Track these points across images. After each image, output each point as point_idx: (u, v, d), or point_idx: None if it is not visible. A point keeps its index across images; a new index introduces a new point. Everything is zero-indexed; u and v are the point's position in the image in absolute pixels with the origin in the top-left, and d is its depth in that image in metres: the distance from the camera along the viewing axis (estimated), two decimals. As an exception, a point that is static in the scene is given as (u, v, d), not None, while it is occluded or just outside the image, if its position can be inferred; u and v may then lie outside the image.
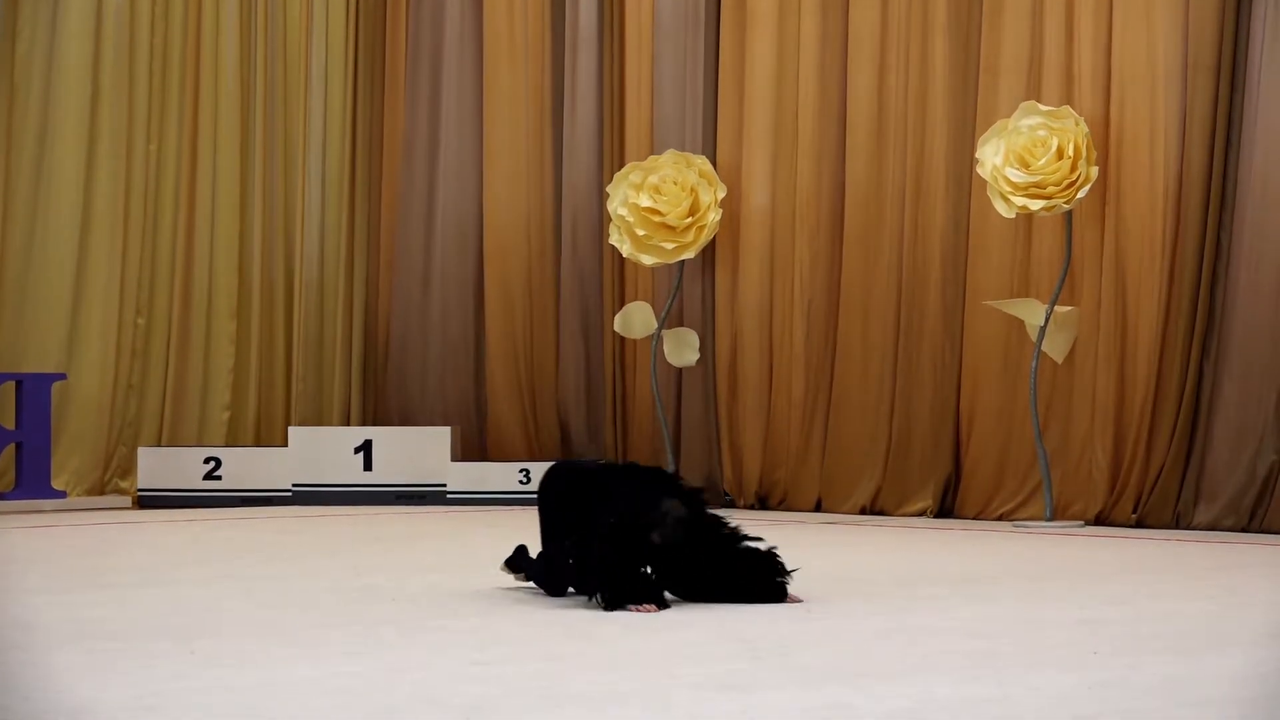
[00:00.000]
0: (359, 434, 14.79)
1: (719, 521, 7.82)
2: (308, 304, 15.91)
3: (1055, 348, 12.31)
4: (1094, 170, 11.94)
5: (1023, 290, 12.61)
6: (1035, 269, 12.61)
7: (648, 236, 13.77)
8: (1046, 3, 12.61)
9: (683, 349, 14.02)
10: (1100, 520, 12.19)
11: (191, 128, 15.35)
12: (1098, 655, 6.29)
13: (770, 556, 7.79)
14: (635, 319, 14.21)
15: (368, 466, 14.55)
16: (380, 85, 16.26)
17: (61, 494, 14.18)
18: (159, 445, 14.94)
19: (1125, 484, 12.12)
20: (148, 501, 14.39)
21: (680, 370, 14.21)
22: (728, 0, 14.15)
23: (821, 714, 5.18)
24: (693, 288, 14.26)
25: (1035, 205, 11.95)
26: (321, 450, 14.64)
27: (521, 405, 15.27)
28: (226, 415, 15.47)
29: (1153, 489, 11.98)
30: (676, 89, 14.41)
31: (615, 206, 13.88)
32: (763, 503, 13.89)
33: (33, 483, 13.92)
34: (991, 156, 12.16)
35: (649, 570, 7.60)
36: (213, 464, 14.50)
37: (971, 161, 12.56)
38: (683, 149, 14.15)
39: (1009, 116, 12.29)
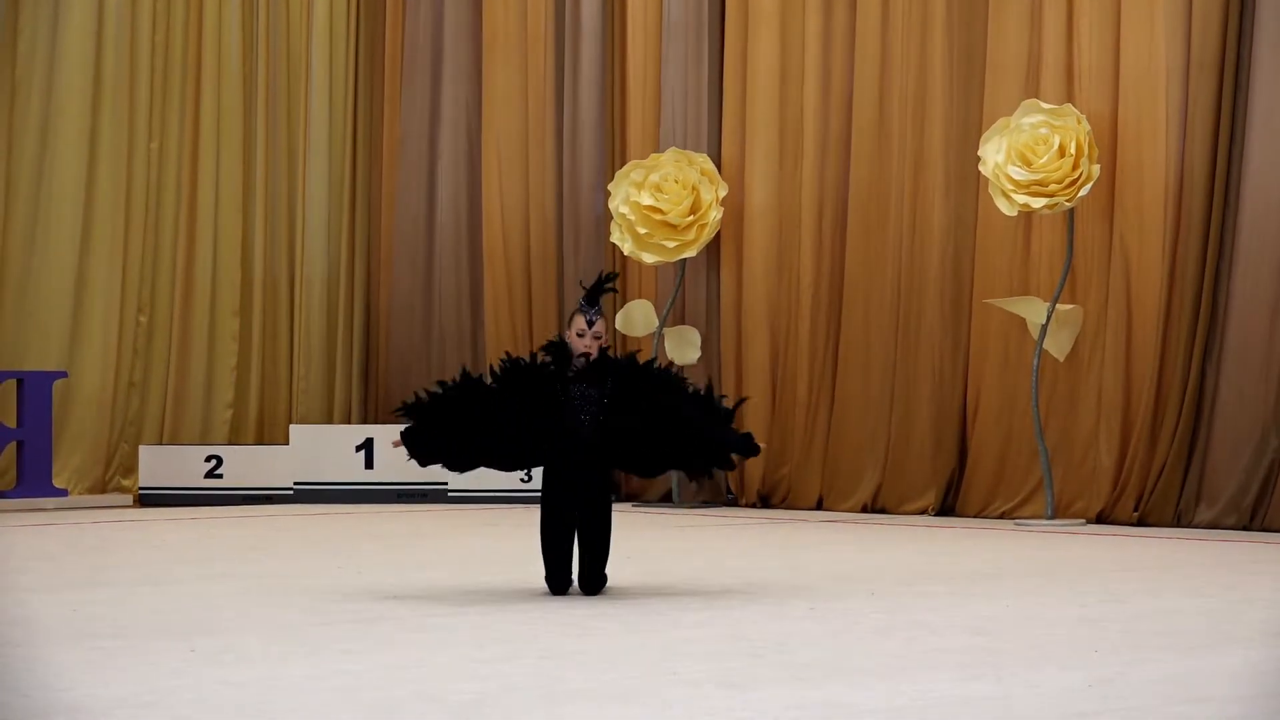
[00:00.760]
0: (360, 432, 14.79)
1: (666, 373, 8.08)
2: (309, 302, 15.92)
3: (1057, 345, 12.30)
4: (1096, 168, 11.93)
5: (1024, 288, 12.60)
6: (1036, 267, 12.60)
7: (649, 235, 13.77)
8: (1047, 1, 12.60)
9: (684, 347, 14.01)
10: (1102, 519, 12.18)
11: (193, 125, 15.36)
12: (1098, 653, 6.28)
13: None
14: (637, 317, 14.21)
15: (369, 465, 14.55)
16: (380, 83, 16.28)
17: (63, 492, 14.18)
18: (161, 443, 14.94)
19: (1127, 482, 12.11)
20: (149, 500, 14.39)
21: (682, 368, 14.20)
22: (732, 0, 14.15)
23: (821, 711, 5.17)
24: (697, 286, 14.26)
25: (1037, 203, 11.95)
26: (323, 449, 14.65)
27: (523, 403, 15.24)
28: (229, 413, 15.49)
29: (1154, 487, 11.98)
30: (681, 88, 14.41)
31: (616, 204, 13.88)
32: (765, 501, 13.88)
33: (34, 481, 13.92)
34: (993, 154, 12.15)
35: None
36: (214, 462, 14.50)
37: (974, 159, 12.55)
38: (687, 147, 14.14)
39: (1011, 115, 12.28)
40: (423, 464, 8.07)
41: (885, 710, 5.21)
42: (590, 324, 7.84)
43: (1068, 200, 11.94)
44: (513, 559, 9.17)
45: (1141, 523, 11.96)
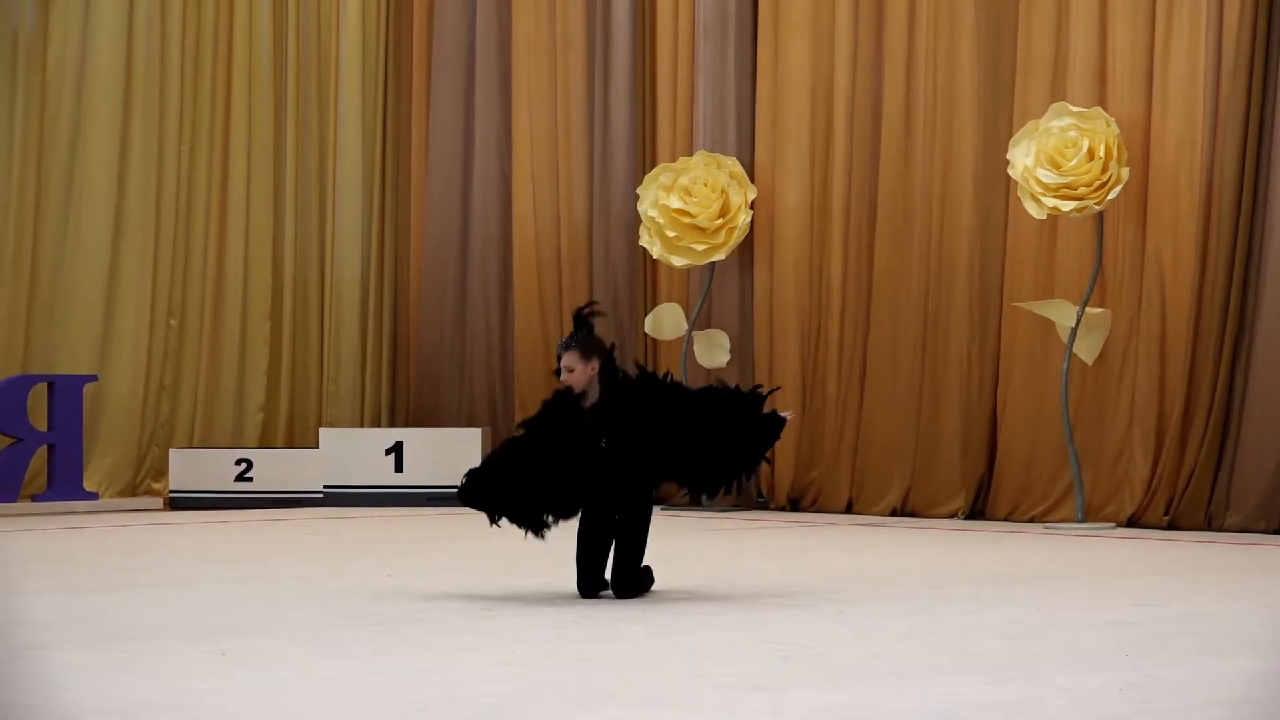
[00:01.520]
0: (390, 435, 14.81)
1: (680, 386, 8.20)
2: (339, 305, 15.94)
3: (1086, 349, 12.27)
4: (1125, 171, 11.91)
5: (1051, 291, 12.57)
6: (1064, 270, 12.57)
7: (678, 238, 13.77)
8: (1076, 5, 12.57)
9: (713, 350, 14.01)
10: (1133, 522, 12.15)
11: (223, 128, 15.40)
12: (1129, 656, 6.27)
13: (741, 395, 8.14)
14: (666, 320, 14.20)
15: (399, 468, 14.57)
16: (409, 86, 16.29)
17: (93, 495, 14.22)
18: (191, 447, 14.97)
19: (1158, 486, 12.08)
20: (179, 503, 14.43)
21: (711, 371, 14.19)
22: (764, 3, 14.15)
23: (851, 714, 5.17)
24: (727, 289, 14.25)
25: (1066, 206, 11.92)
26: (352, 452, 14.67)
27: (552, 407, 15.25)
28: (260, 417, 15.52)
29: (1184, 491, 11.94)
30: (713, 91, 14.41)
31: (645, 208, 13.88)
32: (794, 504, 13.87)
33: (65, 484, 13.97)
34: (1022, 157, 12.13)
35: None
36: (244, 465, 14.53)
37: (1003, 162, 12.52)
38: (719, 151, 14.14)
39: (1039, 117, 12.26)
40: (493, 519, 8.16)
41: (915, 713, 5.20)
42: (558, 358, 8.02)
43: (1096, 204, 11.91)
44: (543, 563, 9.18)
45: (1172, 526, 11.92)
